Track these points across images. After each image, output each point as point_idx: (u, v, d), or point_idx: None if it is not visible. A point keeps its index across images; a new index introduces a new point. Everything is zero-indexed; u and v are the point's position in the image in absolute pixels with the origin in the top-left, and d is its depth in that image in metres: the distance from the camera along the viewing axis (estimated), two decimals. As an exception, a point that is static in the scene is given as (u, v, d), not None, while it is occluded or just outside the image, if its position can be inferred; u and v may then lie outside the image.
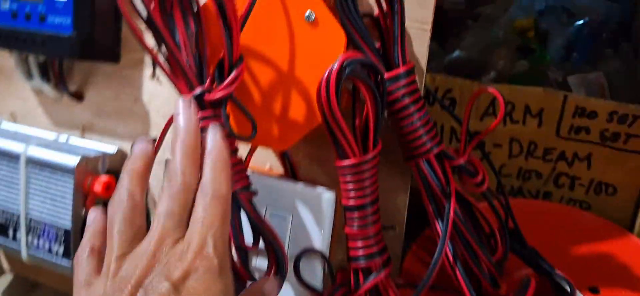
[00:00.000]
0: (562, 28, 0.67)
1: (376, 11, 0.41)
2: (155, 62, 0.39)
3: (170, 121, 0.46)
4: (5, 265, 0.65)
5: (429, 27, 0.42)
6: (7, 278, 0.66)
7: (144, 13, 0.38)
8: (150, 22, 0.38)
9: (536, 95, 0.52)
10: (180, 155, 0.33)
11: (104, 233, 0.33)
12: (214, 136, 0.34)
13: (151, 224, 0.31)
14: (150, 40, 0.38)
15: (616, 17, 0.67)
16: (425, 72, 0.43)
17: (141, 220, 0.32)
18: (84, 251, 0.34)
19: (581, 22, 0.67)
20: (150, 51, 0.39)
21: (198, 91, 0.38)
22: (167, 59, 0.39)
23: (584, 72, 0.62)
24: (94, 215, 0.35)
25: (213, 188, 0.32)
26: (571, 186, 0.54)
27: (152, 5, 0.37)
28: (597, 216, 0.52)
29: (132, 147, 0.35)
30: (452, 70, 0.65)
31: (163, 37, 0.38)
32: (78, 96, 0.55)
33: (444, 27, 0.73)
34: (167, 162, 0.34)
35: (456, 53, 0.67)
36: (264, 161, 0.48)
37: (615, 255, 0.49)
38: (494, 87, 0.46)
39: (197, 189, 0.32)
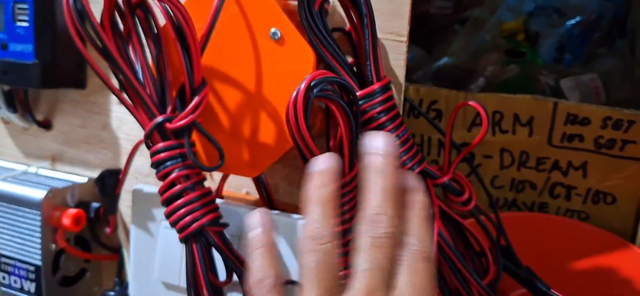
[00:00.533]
0: (553, 29, 0.65)
1: (348, 25, 0.39)
2: (109, 88, 0.36)
3: (136, 148, 0.44)
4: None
5: (405, 38, 0.39)
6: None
7: (99, 42, 0.35)
8: (105, 52, 0.35)
9: (525, 103, 0.49)
10: (384, 199, 0.28)
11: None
12: (418, 187, 0.30)
13: (354, 277, 0.27)
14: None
15: (610, 14, 0.65)
16: (403, 86, 0.41)
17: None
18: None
19: (573, 21, 0.65)
20: (107, 83, 0.36)
21: (158, 119, 0.36)
22: (125, 89, 0.36)
23: (578, 74, 0.59)
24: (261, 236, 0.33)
25: (423, 247, 0.28)
26: (567, 196, 0.51)
27: (106, 34, 0.35)
28: (596, 227, 0.49)
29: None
30: (440, 78, 0.62)
31: (119, 67, 0.35)
32: (46, 125, 0.53)
33: (431, 34, 0.71)
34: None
35: (444, 60, 0.64)
36: (240, 186, 0.46)
37: (616, 268, 0.46)
38: (478, 98, 0.43)
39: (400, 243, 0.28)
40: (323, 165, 0.31)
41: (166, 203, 0.36)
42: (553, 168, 0.51)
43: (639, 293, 0.44)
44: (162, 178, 0.36)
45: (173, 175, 0.36)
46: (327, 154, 0.32)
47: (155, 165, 0.36)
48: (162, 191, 0.36)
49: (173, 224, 0.36)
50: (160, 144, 0.36)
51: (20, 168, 0.53)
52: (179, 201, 0.36)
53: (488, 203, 0.45)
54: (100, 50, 0.35)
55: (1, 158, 0.56)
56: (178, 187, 0.36)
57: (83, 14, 0.34)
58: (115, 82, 0.37)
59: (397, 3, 0.39)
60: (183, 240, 0.36)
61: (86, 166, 0.52)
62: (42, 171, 0.53)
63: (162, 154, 0.36)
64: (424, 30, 0.69)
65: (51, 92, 0.52)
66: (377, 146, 0.30)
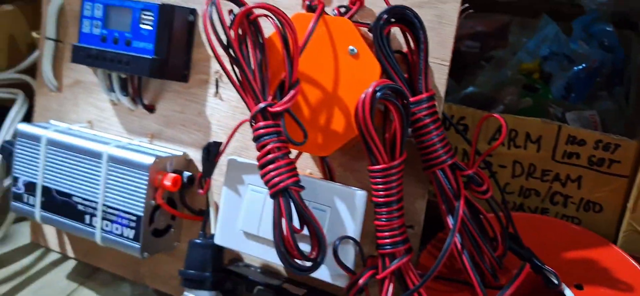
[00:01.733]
0: (563, 71, 0.77)
1: (405, 48, 0.52)
2: (229, 79, 0.49)
3: (236, 128, 0.56)
4: (70, 252, 0.75)
5: (447, 63, 0.52)
6: (71, 263, 0.75)
7: (224, 40, 0.48)
8: (229, 47, 0.48)
9: (535, 124, 0.62)
10: None
11: None
12: None
13: None
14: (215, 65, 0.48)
15: (610, 64, 0.77)
16: (443, 99, 0.53)
17: None
18: None
19: (580, 67, 0.77)
20: (225, 70, 0.49)
21: (263, 104, 0.48)
22: (239, 78, 0.49)
23: (580, 110, 0.71)
24: None
25: None
26: (564, 204, 0.63)
27: (233, 35, 0.48)
28: (586, 230, 0.61)
29: None
30: (466, 103, 0.75)
31: (238, 60, 0.48)
32: (150, 108, 0.66)
33: (460, 68, 0.83)
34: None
35: (470, 89, 0.77)
36: (304, 167, 0.58)
37: (599, 261, 0.57)
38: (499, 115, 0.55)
39: None
40: None
41: (262, 167, 0.48)
42: (554, 179, 0.63)
43: (615, 280, 0.55)
44: (260, 148, 0.48)
45: (269, 146, 0.48)
46: None
47: (256, 139, 0.48)
48: (260, 158, 0.48)
49: (266, 183, 0.48)
50: (262, 123, 0.48)
51: (124, 140, 0.66)
52: (272, 166, 0.48)
53: (500, 201, 0.57)
54: (225, 46, 0.48)
55: (107, 132, 0.69)
56: (272, 155, 0.48)
57: (215, 22, 0.47)
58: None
59: (443, 36, 0.52)
60: (273, 195, 0.48)
61: (180, 144, 0.64)
62: (142, 144, 0.66)
63: (262, 130, 0.48)
64: (454, 65, 0.82)
65: (158, 83, 0.65)
66: None
